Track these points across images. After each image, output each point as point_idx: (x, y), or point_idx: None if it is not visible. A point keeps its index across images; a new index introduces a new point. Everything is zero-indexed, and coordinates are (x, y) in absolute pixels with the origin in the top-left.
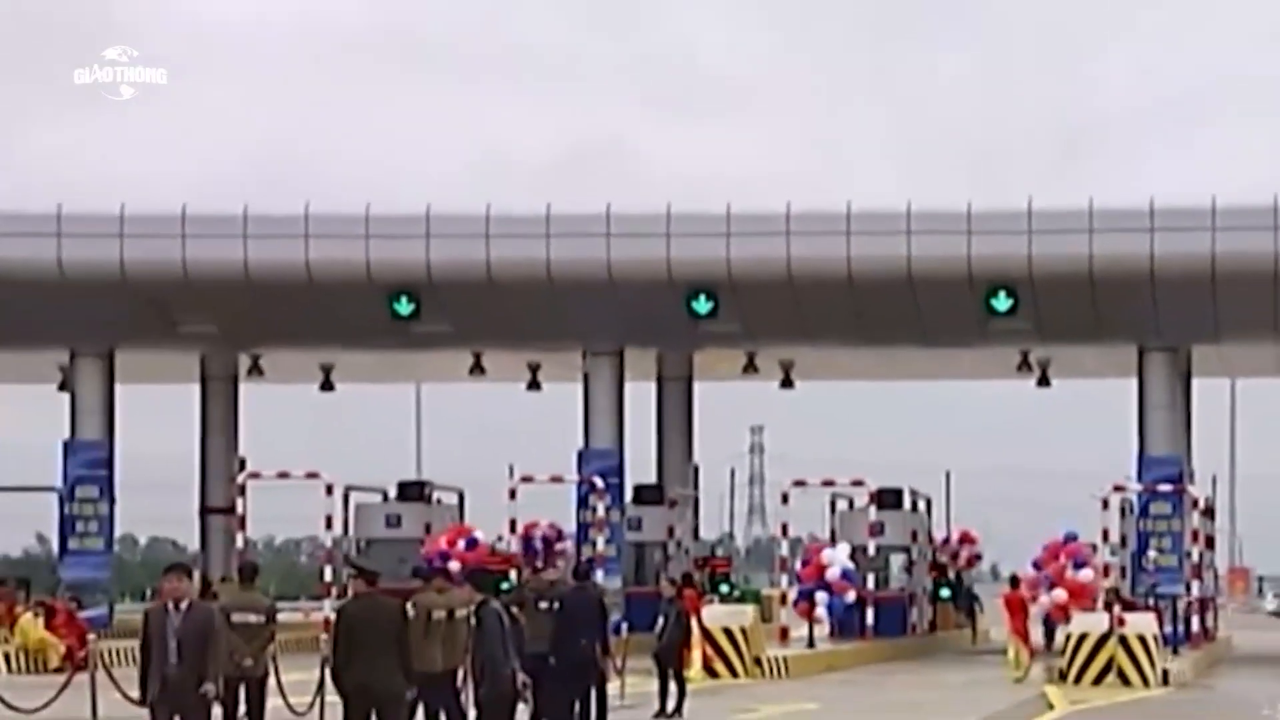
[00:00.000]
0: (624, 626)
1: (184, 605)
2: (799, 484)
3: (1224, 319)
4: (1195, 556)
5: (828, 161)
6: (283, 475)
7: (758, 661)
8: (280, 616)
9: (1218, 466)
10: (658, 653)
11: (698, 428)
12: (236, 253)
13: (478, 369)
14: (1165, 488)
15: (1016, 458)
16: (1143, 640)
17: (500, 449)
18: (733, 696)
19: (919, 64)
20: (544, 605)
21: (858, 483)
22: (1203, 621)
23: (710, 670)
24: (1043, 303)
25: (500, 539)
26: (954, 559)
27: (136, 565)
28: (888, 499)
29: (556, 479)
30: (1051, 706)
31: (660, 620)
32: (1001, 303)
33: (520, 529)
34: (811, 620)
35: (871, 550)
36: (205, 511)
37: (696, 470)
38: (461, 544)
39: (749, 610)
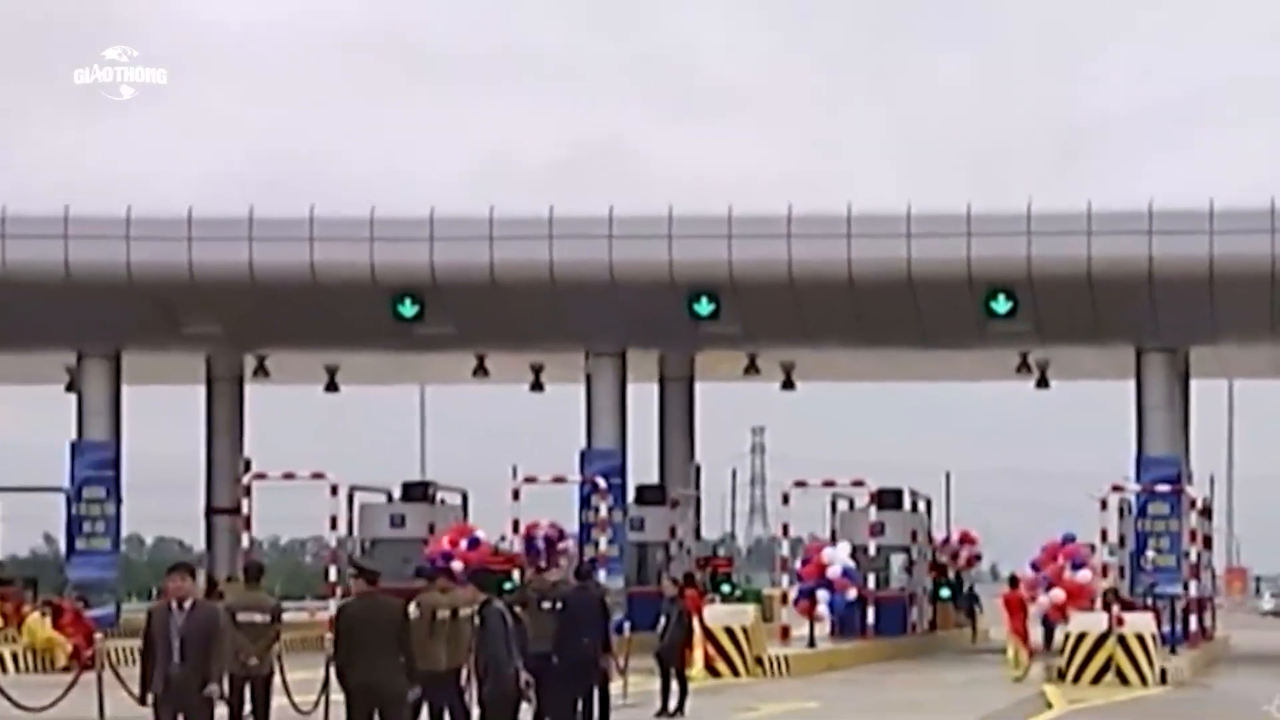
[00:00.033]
0: (626, 626)
1: (188, 604)
2: (800, 484)
3: (1222, 321)
4: (1193, 556)
5: (827, 162)
6: (288, 476)
7: (759, 660)
8: (285, 616)
9: (1215, 467)
10: (660, 652)
11: (699, 428)
12: (242, 255)
13: (481, 370)
14: (1163, 488)
15: (1016, 458)
16: (1141, 639)
17: (503, 450)
18: (734, 695)
19: (919, 65)
20: (547, 605)
21: (858, 483)
22: (1200, 621)
23: (712, 669)
24: (1042, 304)
25: (503, 539)
26: (954, 559)
27: (143, 565)
28: (888, 499)
29: (559, 479)
30: (1050, 705)
31: (662, 620)
32: (1001, 305)
33: (522, 529)
34: (812, 618)
35: (872, 550)
36: (211, 512)
37: (698, 471)
38: (464, 544)
39: (750, 610)
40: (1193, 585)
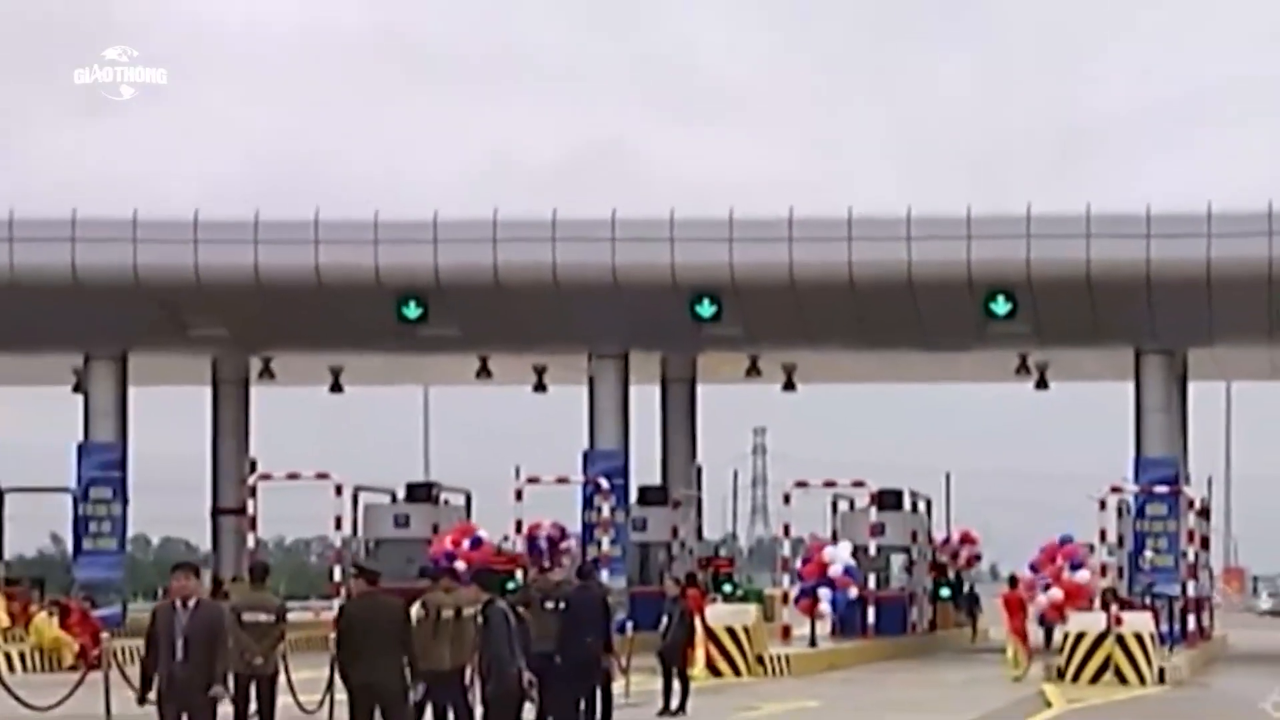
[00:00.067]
0: (629, 625)
1: (192, 603)
2: (801, 485)
3: (1219, 323)
4: (1191, 556)
5: (827, 163)
6: (293, 476)
7: (760, 660)
8: (290, 615)
9: (1213, 468)
10: (662, 651)
11: (701, 430)
12: (247, 258)
13: (485, 372)
14: (1161, 489)
15: (1015, 459)
16: (1139, 639)
17: (507, 450)
18: (735, 694)
19: (919, 66)
20: (550, 605)
21: (859, 484)
22: (1198, 620)
23: (713, 669)
24: (1041, 307)
25: (506, 539)
26: (954, 559)
27: (149, 565)
28: (888, 500)
29: (562, 480)
30: (1049, 704)
31: (664, 619)
32: (1000, 307)
33: (525, 529)
34: (814, 617)
35: (872, 550)
36: (217, 512)
37: (700, 471)
38: (466, 543)
39: (752, 609)
40: (1190, 585)
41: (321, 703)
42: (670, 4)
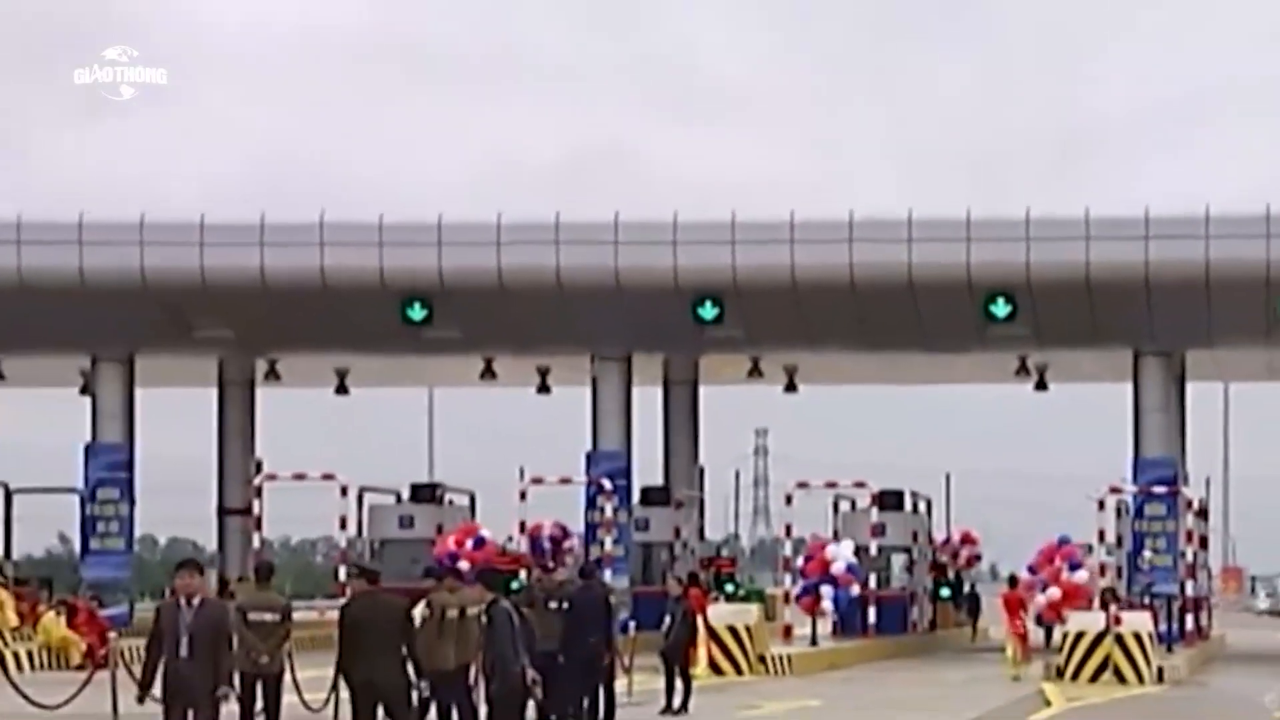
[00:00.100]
0: (631, 625)
1: (196, 601)
2: (802, 486)
3: (1217, 324)
4: (1189, 556)
5: (827, 164)
6: (298, 477)
7: (762, 659)
8: (296, 615)
9: (1211, 469)
10: (664, 650)
11: (703, 431)
12: (253, 260)
13: (489, 373)
14: (1160, 489)
15: (1015, 460)
16: (1138, 638)
17: (511, 451)
18: (737, 693)
19: (919, 66)
20: (553, 605)
21: (860, 484)
22: (1196, 620)
23: (715, 668)
24: (1040, 309)
25: (510, 539)
26: (954, 559)
27: (156, 565)
28: (889, 500)
29: (566, 481)
30: (1049, 703)
31: (667, 619)
32: (1000, 309)
33: (528, 529)
34: (816, 615)
35: (873, 550)
36: (223, 512)
37: (702, 472)
38: (470, 543)
39: (753, 609)
40: (1189, 585)
41: (326, 701)
42: (670, 4)
